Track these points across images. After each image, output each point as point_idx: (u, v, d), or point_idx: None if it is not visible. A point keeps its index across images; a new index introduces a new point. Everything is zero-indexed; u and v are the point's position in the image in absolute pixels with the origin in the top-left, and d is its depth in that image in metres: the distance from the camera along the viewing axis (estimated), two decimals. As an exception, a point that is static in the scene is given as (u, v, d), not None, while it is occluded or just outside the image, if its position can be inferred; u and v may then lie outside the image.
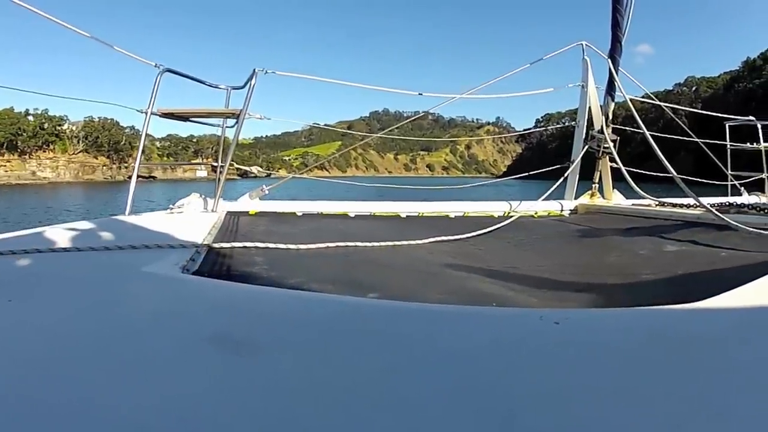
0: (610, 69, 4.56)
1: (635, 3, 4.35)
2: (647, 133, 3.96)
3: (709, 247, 2.72)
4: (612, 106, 4.77)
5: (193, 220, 3.05)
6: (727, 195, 6.22)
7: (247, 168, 4.69)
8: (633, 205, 4.63)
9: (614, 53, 4.54)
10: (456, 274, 2.16)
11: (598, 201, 4.91)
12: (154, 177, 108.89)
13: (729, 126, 6.65)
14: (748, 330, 1.14)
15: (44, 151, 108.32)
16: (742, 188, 6.42)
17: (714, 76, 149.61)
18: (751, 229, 2.86)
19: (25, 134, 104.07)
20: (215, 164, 4.05)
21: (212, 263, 1.96)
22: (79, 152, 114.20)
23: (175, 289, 1.47)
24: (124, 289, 1.45)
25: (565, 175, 4.91)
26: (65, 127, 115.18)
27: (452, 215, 4.18)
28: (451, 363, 0.90)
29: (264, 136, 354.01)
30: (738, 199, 5.86)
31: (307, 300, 1.39)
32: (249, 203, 3.95)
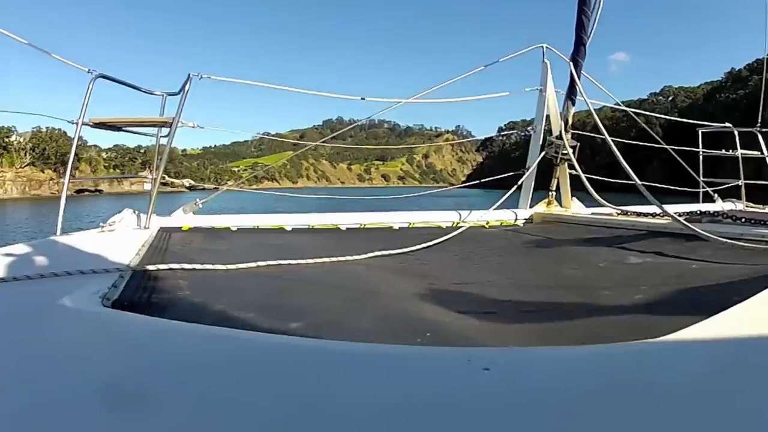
0: (571, 72, 4.45)
1: (604, 5, 4.23)
2: (608, 138, 3.88)
3: (677, 258, 2.63)
4: (572, 111, 4.67)
5: (123, 239, 2.98)
6: (700, 203, 6.26)
7: (174, 179, 4.43)
8: (593, 214, 4.50)
9: (577, 56, 4.44)
10: (393, 293, 2.07)
11: (555, 209, 4.80)
12: (100, 190, 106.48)
13: (703, 133, 6.66)
14: (718, 377, 1.00)
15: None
16: (716, 195, 6.42)
17: (694, 86, 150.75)
18: (724, 240, 2.73)
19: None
20: (148, 176, 3.95)
21: (134, 290, 1.87)
22: (27, 165, 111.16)
23: (83, 325, 1.41)
24: (29, 328, 1.38)
25: (520, 182, 4.80)
26: (13, 138, 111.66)
27: (396, 226, 4.06)
28: (356, 419, 0.81)
29: (213, 146, 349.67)
30: (712, 207, 5.90)
31: (217, 338, 1.28)
32: (183, 218, 3.82)
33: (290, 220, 3.93)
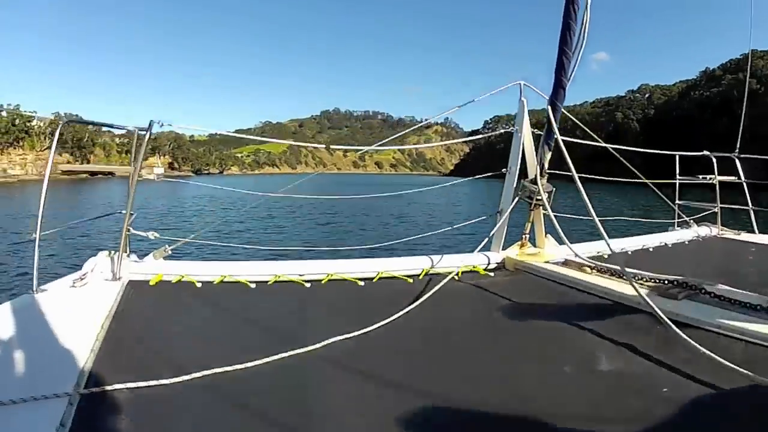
0: (548, 117, 4.01)
1: (585, 47, 3.79)
2: (576, 175, 3.40)
3: (649, 361, 2.27)
4: (548, 155, 4.21)
5: (91, 301, 2.81)
6: (675, 227, 6.28)
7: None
8: (566, 261, 4.10)
9: (555, 99, 3.97)
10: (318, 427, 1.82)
11: (527, 254, 4.36)
12: (112, 173, 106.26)
13: (680, 154, 6.46)
14: None
15: (14, 148, 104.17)
16: (692, 221, 6.34)
17: (669, 84, 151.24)
18: (703, 350, 2.21)
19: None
20: (123, 212, 3.55)
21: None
22: (46, 149, 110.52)
23: None
24: None
25: (492, 232, 4.36)
26: (34, 123, 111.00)
27: (361, 281, 3.59)
28: None
29: (218, 133, 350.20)
30: (686, 235, 5.87)
31: None
32: (153, 265, 3.52)
33: (254, 271, 3.57)
